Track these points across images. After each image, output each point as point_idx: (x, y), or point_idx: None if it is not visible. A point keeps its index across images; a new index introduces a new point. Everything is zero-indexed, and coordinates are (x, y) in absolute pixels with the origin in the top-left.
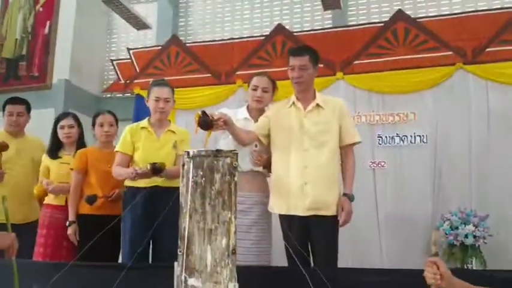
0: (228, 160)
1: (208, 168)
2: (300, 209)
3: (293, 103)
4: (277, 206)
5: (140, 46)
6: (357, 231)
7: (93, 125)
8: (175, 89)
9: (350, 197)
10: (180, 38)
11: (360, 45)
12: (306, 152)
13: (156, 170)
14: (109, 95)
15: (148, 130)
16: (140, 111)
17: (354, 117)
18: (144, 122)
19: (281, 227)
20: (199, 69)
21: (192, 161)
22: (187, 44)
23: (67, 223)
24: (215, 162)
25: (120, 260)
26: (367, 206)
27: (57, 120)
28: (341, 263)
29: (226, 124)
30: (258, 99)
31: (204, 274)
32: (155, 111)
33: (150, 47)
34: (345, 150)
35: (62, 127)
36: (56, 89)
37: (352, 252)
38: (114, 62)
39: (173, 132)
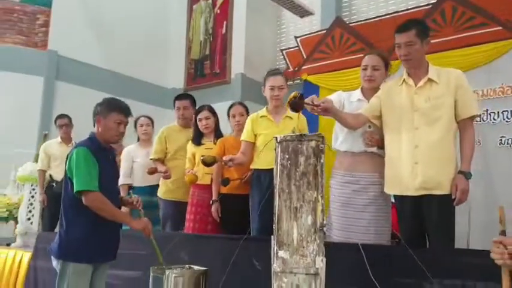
0: (313, 143)
1: (293, 151)
2: (411, 189)
3: (404, 80)
4: (391, 187)
5: (307, 33)
6: None
7: (228, 116)
8: (341, 71)
9: (466, 175)
10: (344, 19)
11: None
12: (417, 130)
13: (204, 162)
14: None
15: (267, 118)
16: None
17: None
18: (263, 111)
19: (396, 208)
20: (364, 49)
21: (279, 146)
22: (351, 24)
23: (211, 202)
24: (299, 146)
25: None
26: None
27: (196, 113)
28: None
29: (327, 111)
30: (368, 78)
31: (291, 248)
32: (271, 99)
33: (315, 32)
34: (463, 125)
35: (200, 119)
36: (234, 83)
37: None
38: (284, 52)
39: (291, 118)
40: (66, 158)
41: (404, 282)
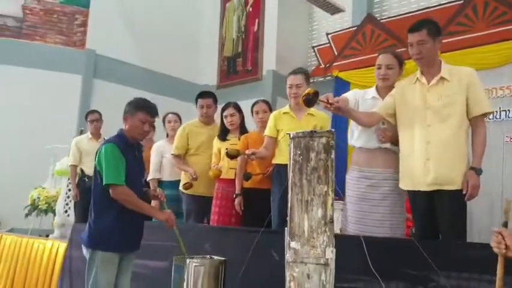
0: (324, 140)
1: (305, 147)
2: (423, 184)
3: (417, 79)
4: (404, 182)
5: (338, 29)
6: None
7: (252, 112)
8: (372, 68)
9: (477, 171)
10: (375, 15)
11: None
12: (429, 127)
13: (228, 155)
14: (311, 80)
15: (290, 114)
16: (339, 93)
17: None
18: (286, 108)
19: (410, 203)
20: (395, 45)
21: (292, 142)
22: (382, 21)
23: (234, 195)
24: (311, 142)
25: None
26: None
27: (222, 110)
28: None
29: (340, 110)
30: (382, 77)
31: (302, 239)
32: (290, 97)
33: (346, 28)
34: (475, 122)
35: (226, 116)
36: (265, 80)
37: None
38: (315, 48)
39: (313, 115)
40: (96, 153)
41: (412, 273)
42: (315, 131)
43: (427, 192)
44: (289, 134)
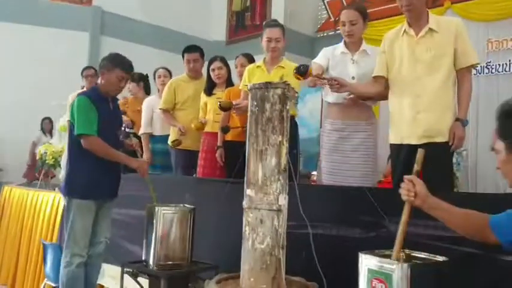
0: (279, 91)
1: (261, 98)
2: (413, 137)
3: (405, 31)
4: (392, 136)
5: None
6: None
7: (236, 66)
8: (379, 21)
9: (463, 122)
10: None
11: None
12: (419, 80)
13: (221, 107)
14: (323, 34)
15: (261, 68)
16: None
17: None
18: (260, 61)
19: (390, 156)
20: None
21: (250, 93)
22: None
23: (216, 147)
24: (266, 93)
25: None
26: None
27: (209, 64)
28: None
29: (342, 86)
30: (347, 33)
31: (256, 186)
32: (267, 50)
33: None
34: (461, 74)
35: (213, 70)
36: None
37: None
38: (325, 1)
39: (283, 67)
40: (70, 106)
41: (366, 220)
42: (270, 82)
43: (413, 145)
44: (247, 85)
